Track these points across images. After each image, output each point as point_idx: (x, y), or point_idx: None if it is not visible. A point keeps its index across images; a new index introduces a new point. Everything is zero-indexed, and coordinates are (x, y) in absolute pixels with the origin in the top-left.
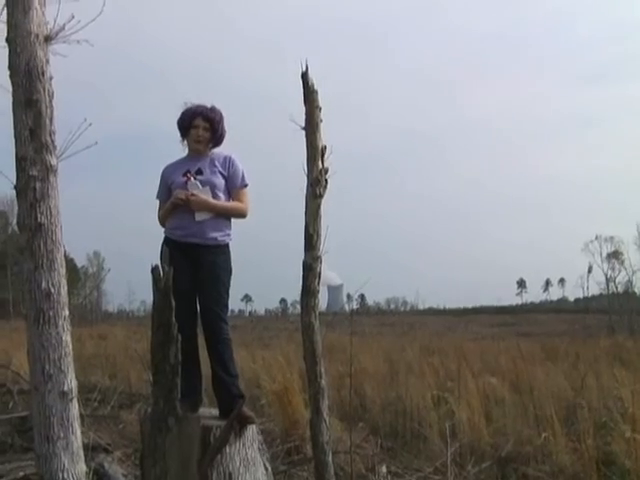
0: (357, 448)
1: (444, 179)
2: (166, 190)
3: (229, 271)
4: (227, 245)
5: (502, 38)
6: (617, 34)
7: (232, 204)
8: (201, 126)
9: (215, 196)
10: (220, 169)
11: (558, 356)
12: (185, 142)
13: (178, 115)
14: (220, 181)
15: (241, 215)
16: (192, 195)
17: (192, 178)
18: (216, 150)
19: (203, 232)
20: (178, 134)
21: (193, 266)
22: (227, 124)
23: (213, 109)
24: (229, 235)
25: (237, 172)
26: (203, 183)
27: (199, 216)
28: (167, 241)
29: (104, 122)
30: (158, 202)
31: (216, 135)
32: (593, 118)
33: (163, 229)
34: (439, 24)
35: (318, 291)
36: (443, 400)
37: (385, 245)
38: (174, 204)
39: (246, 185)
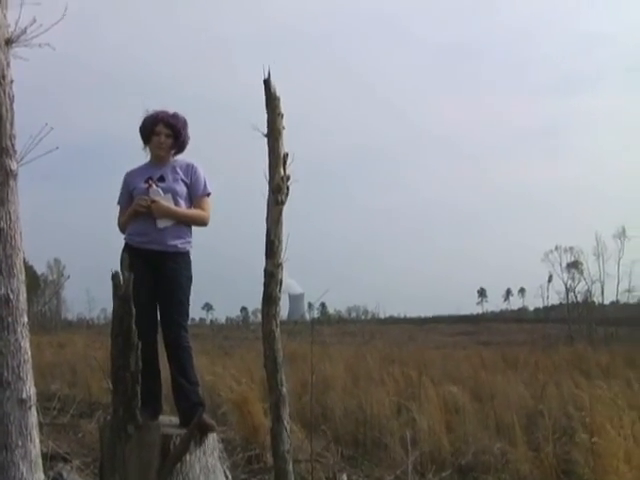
0: (318, 456)
1: (403, 193)
2: (127, 196)
3: (189, 279)
4: (188, 253)
5: (460, 49)
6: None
7: (194, 212)
8: (163, 132)
9: (177, 203)
10: (182, 176)
11: (518, 365)
12: (147, 148)
13: (140, 122)
14: (182, 188)
15: (202, 223)
16: (153, 202)
17: (154, 185)
18: (179, 157)
19: (164, 239)
20: (140, 141)
21: (153, 273)
22: (190, 131)
23: (175, 115)
24: (190, 243)
25: (199, 180)
26: (165, 190)
27: (160, 223)
28: (127, 247)
29: (65, 129)
30: (119, 208)
31: (178, 141)
32: (551, 129)
33: (123, 235)
34: (398, 35)
35: (279, 299)
36: (404, 409)
37: (346, 254)
38: (135, 210)
39: (208, 193)
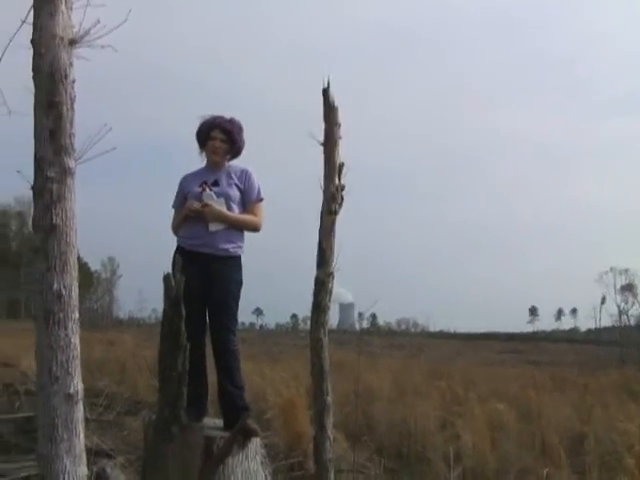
0: (360, 467)
1: (463, 201)
2: (182, 199)
3: (239, 283)
4: (239, 257)
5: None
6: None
7: (246, 217)
8: (218, 138)
9: (229, 208)
10: (236, 182)
11: (566, 386)
12: (203, 153)
13: (196, 126)
14: (235, 193)
15: (254, 229)
16: (206, 206)
17: (207, 189)
18: (234, 162)
19: (215, 243)
20: (196, 145)
21: (203, 276)
22: (246, 136)
23: (231, 121)
24: (241, 247)
25: (253, 186)
26: (218, 194)
27: (212, 227)
28: (179, 250)
29: (125, 129)
30: (173, 211)
31: (234, 147)
32: (616, 148)
33: (176, 238)
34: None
35: (329, 307)
36: (449, 424)
37: (398, 265)
38: (187, 213)
39: (261, 199)
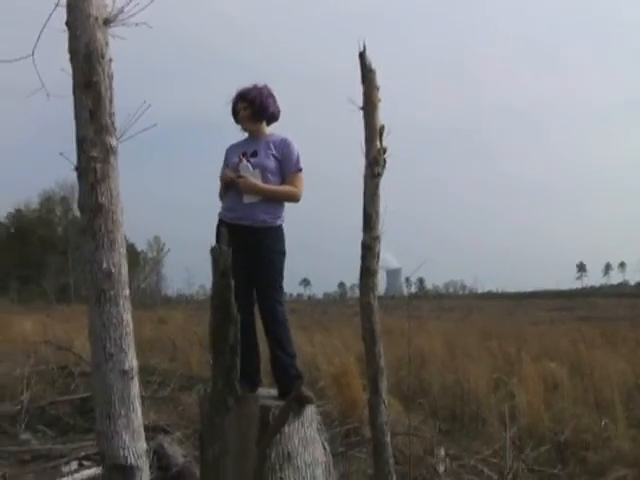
0: (415, 430)
1: (516, 156)
2: (226, 169)
3: (282, 253)
4: (279, 227)
5: None
6: None
7: (283, 188)
8: (240, 106)
9: (266, 179)
10: (274, 152)
11: (618, 340)
12: (242, 129)
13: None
14: (272, 164)
15: (293, 199)
16: (240, 177)
17: (244, 160)
18: (275, 131)
19: (252, 214)
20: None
21: (245, 248)
22: (279, 98)
23: (251, 87)
24: (280, 217)
25: (291, 155)
26: (254, 166)
27: (247, 199)
28: (220, 222)
29: (167, 107)
30: (220, 181)
31: (258, 109)
32: None
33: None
34: None
35: (377, 271)
36: (502, 384)
37: (444, 227)
38: (223, 184)
39: (300, 169)
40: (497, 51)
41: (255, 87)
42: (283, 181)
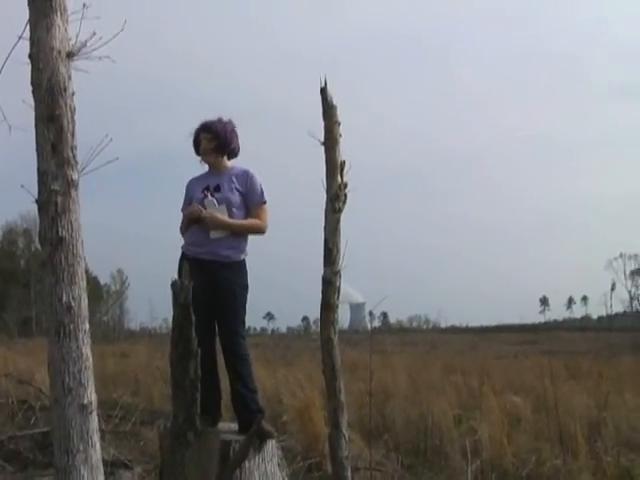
0: (378, 465)
1: (467, 197)
2: (189, 203)
3: (244, 287)
4: (242, 261)
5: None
6: None
7: (249, 222)
8: (204, 138)
9: (231, 213)
10: (237, 186)
11: (581, 374)
12: (202, 161)
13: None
14: (237, 198)
15: (259, 232)
16: (206, 213)
17: (209, 195)
18: (236, 164)
19: (217, 249)
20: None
21: (208, 282)
22: (240, 134)
23: (215, 120)
24: (244, 251)
25: (255, 188)
26: (219, 201)
27: (213, 234)
28: (184, 256)
29: (128, 141)
30: (182, 215)
31: (221, 143)
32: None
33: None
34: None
35: (337, 306)
36: (465, 418)
37: (406, 263)
38: (188, 218)
39: (264, 202)
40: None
41: (220, 120)
42: (247, 214)
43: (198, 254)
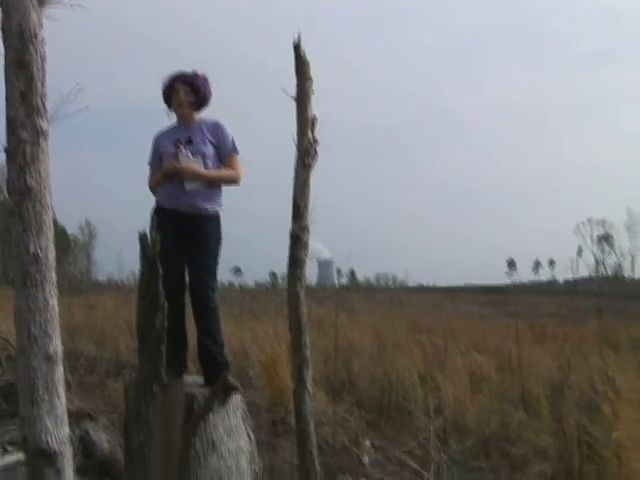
0: (341, 421)
1: (441, 158)
2: (157, 158)
3: (219, 241)
4: (218, 215)
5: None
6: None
7: (224, 172)
8: (182, 89)
9: (205, 166)
10: (209, 137)
11: (546, 337)
12: (172, 112)
13: (161, 84)
14: (209, 150)
15: (234, 182)
16: (182, 167)
17: (183, 149)
18: (205, 116)
19: (194, 202)
20: (165, 106)
21: (183, 235)
22: (213, 88)
23: (193, 73)
24: (220, 205)
25: (227, 139)
26: (194, 153)
27: (189, 185)
28: (158, 210)
29: (99, 91)
30: (149, 169)
31: (199, 97)
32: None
33: (154, 197)
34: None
35: (305, 262)
36: (430, 377)
37: (377, 221)
38: (165, 174)
39: (237, 152)
40: (419, 57)
41: (200, 76)
42: (221, 165)
43: (175, 206)
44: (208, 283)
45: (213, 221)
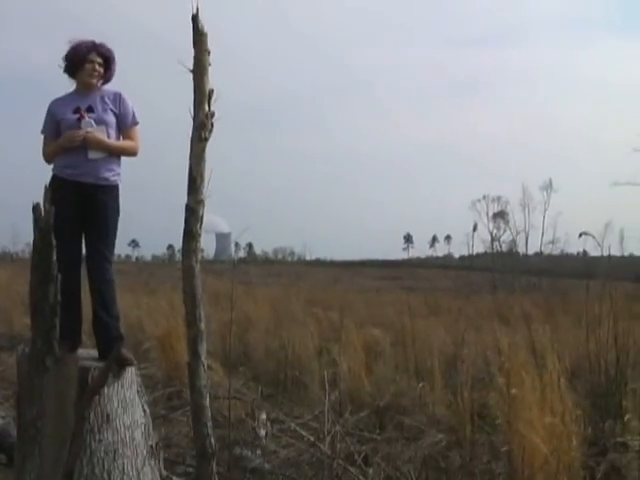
0: (237, 394)
1: (328, 138)
2: (53, 125)
3: (117, 212)
4: (117, 186)
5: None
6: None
7: (126, 143)
8: (96, 61)
9: (108, 135)
10: (111, 106)
11: (441, 311)
12: (74, 77)
13: (67, 50)
14: (111, 119)
15: (133, 154)
16: (87, 133)
17: (86, 116)
18: (105, 87)
19: (96, 171)
20: (63, 69)
21: (82, 205)
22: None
23: (107, 47)
24: (119, 175)
25: (128, 110)
26: (97, 122)
27: (92, 154)
28: (55, 179)
29: None
30: (43, 137)
31: (109, 70)
32: (476, 81)
33: (50, 166)
34: None
35: (200, 235)
36: (326, 350)
37: (275, 197)
38: (68, 142)
39: (137, 123)
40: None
41: (109, 47)
42: (120, 136)
43: (75, 176)
44: (105, 255)
45: (112, 192)
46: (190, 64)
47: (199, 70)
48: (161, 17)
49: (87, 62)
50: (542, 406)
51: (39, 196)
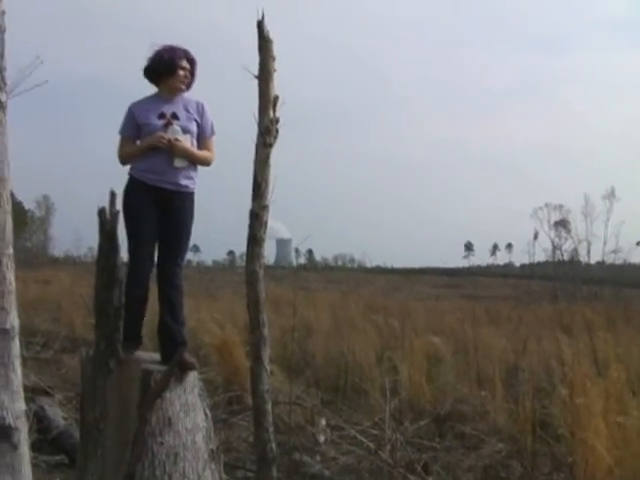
0: (298, 400)
1: (401, 136)
2: (134, 128)
3: (192, 219)
4: (193, 193)
5: None
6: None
7: (206, 153)
8: (187, 68)
9: (191, 143)
10: (195, 116)
11: (501, 319)
12: (160, 83)
13: (154, 54)
14: (194, 128)
15: (208, 164)
16: (176, 140)
17: (174, 123)
18: (186, 95)
19: (177, 179)
20: (146, 72)
21: (161, 211)
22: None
23: (192, 53)
24: (196, 184)
25: (208, 121)
26: (183, 130)
27: (178, 162)
28: (134, 182)
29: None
30: (120, 138)
31: (194, 77)
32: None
33: (127, 167)
34: None
35: (264, 240)
36: (386, 357)
37: (336, 201)
38: (154, 145)
39: (214, 134)
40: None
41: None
42: (199, 145)
43: (156, 181)
44: (177, 260)
45: (189, 199)
46: (255, 70)
47: (264, 76)
48: (230, 19)
49: (180, 68)
50: (606, 416)
51: (102, 201)
